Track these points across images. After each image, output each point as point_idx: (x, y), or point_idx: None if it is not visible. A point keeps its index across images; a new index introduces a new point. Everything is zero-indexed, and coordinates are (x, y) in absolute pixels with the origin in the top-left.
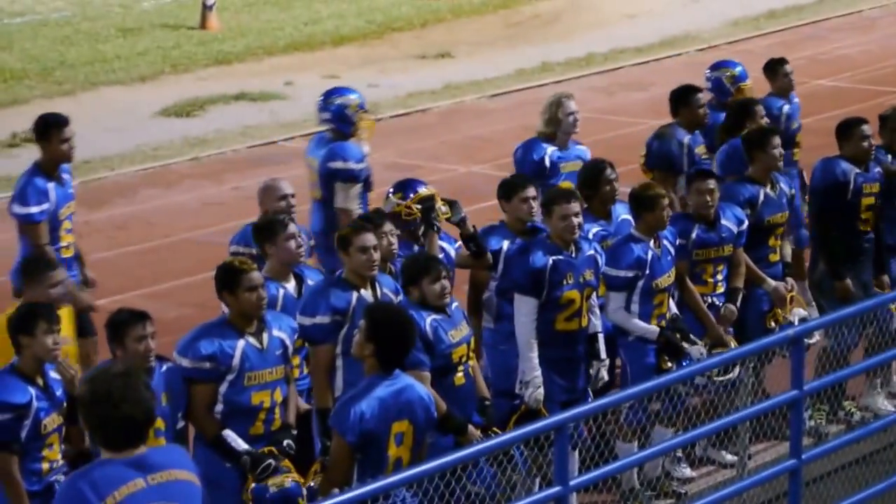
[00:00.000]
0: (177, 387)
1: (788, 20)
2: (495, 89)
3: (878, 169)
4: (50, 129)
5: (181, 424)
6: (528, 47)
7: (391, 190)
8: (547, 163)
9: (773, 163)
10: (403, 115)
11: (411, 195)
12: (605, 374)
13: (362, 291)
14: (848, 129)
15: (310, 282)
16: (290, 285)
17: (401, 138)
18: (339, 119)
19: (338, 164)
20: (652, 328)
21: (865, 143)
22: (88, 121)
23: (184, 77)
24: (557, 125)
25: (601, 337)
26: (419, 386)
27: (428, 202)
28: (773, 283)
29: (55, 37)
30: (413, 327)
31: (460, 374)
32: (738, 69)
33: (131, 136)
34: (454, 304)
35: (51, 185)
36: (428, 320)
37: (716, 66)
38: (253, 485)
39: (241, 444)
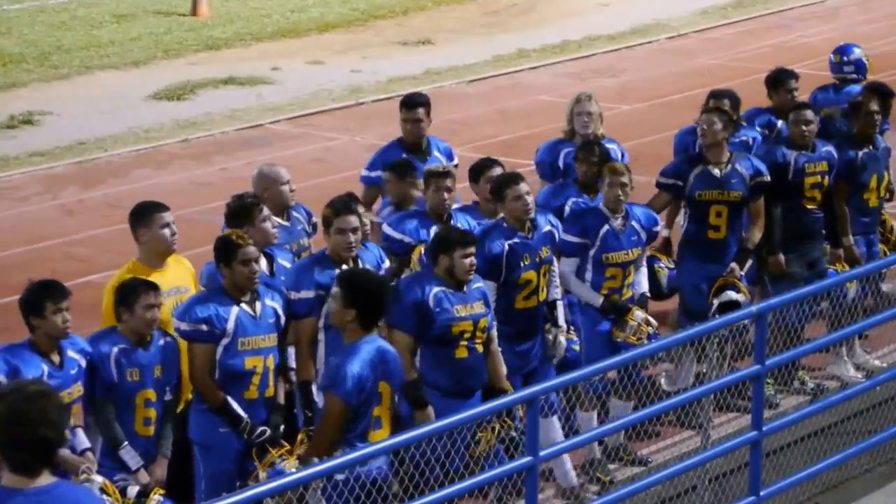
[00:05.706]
0: (170, 361)
1: (755, 9)
2: (473, 75)
3: (826, 148)
4: None
5: (168, 397)
6: (505, 35)
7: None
8: (561, 164)
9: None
10: (385, 99)
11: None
12: (563, 340)
13: (344, 268)
14: (792, 117)
15: (280, 261)
16: (262, 264)
17: (382, 122)
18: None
19: None
20: (595, 295)
21: (804, 128)
22: (83, 103)
23: (175, 62)
24: (572, 123)
25: (560, 304)
26: (391, 347)
27: None
28: None
29: (52, 22)
30: (386, 287)
31: (462, 348)
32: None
33: (124, 119)
34: (476, 285)
35: None
36: (433, 290)
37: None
38: (268, 468)
39: (241, 411)
